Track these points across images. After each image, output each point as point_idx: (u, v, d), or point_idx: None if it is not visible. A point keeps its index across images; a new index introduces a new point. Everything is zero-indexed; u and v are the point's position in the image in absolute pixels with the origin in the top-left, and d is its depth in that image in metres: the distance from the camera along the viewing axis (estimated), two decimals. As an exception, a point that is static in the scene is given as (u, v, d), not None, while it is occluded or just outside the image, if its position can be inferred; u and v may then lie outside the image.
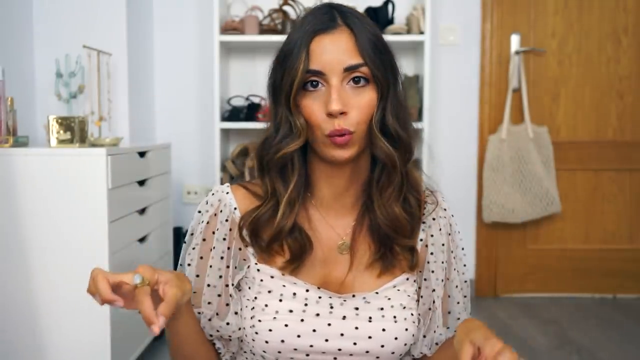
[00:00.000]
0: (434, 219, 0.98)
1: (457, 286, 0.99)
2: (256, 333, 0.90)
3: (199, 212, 0.98)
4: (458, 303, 0.99)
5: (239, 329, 0.93)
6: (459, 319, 0.99)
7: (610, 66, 3.00)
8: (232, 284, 0.94)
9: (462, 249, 1.02)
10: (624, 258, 3.05)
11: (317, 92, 0.87)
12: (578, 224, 3.06)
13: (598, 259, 3.06)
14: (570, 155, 3.01)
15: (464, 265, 1.02)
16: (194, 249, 0.96)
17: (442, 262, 0.97)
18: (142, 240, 2.10)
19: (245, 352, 0.95)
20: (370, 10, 2.76)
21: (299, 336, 0.88)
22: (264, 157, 0.92)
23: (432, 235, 0.98)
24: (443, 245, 0.98)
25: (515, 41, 2.97)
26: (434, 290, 0.96)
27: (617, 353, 2.32)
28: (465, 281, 1.01)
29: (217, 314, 0.94)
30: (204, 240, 0.95)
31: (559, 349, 2.36)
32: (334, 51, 0.86)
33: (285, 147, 0.89)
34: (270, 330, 0.89)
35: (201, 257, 0.95)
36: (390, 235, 0.92)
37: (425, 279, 0.97)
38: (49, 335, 1.76)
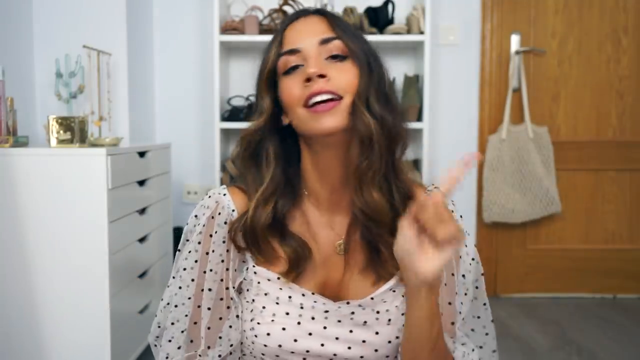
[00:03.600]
0: None
1: (456, 292, 0.92)
2: (255, 336, 0.89)
3: (195, 216, 0.94)
4: (450, 304, 0.92)
5: (243, 331, 0.91)
6: (452, 323, 0.92)
7: (610, 66, 3.00)
8: (233, 287, 0.92)
9: (466, 246, 0.95)
10: (624, 258, 3.05)
11: (296, 72, 0.88)
12: (578, 224, 3.06)
13: (598, 259, 3.06)
14: (570, 155, 3.01)
15: (469, 258, 0.94)
16: (190, 252, 0.92)
17: None
18: (142, 240, 2.10)
19: (245, 354, 0.94)
20: (370, 10, 2.76)
21: (295, 340, 0.88)
22: (239, 148, 0.93)
23: None
24: None
25: (515, 41, 2.97)
26: None
27: (617, 353, 2.32)
28: (464, 281, 0.93)
29: (220, 318, 0.91)
30: (199, 243, 0.92)
31: (559, 349, 2.36)
32: (307, 31, 0.89)
33: (250, 127, 0.91)
34: (268, 334, 0.88)
35: (195, 261, 0.92)
36: (373, 230, 0.88)
37: None
38: (49, 335, 1.76)
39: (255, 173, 0.92)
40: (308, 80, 0.84)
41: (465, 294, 0.93)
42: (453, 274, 0.93)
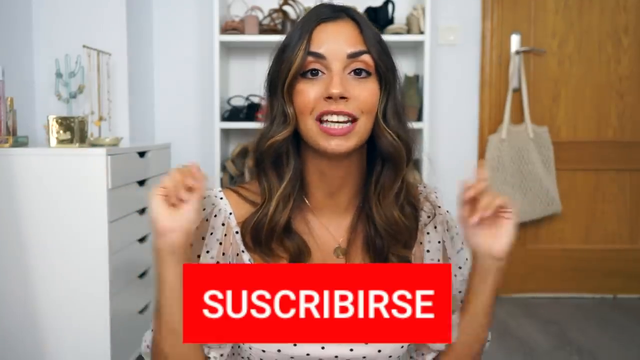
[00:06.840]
0: (434, 226, 0.97)
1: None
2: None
3: None
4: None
5: None
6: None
7: (610, 66, 3.00)
8: None
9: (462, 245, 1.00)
10: (624, 258, 3.05)
11: (316, 79, 0.85)
12: (578, 224, 3.06)
13: (598, 259, 3.05)
14: (571, 155, 3.01)
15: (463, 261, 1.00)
16: None
17: (438, 260, 0.96)
18: (142, 240, 2.10)
19: (242, 358, 0.94)
20: (370, 10, 2.76)
21: (295, 345, 0.87)
22: (258, 150, 0.90)
23: (429, 241, 0.96)
24: (439, 242, 0.96)
25: (515, 41, 2.97)
26: None
27: (617, 353, 2.32)
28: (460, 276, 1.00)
29: None
30: (191, 245, 0.90)
31: (559, 349, 2.36)
32: (338, 38, 0.86)
33: (275, 135, 0.87)
34: None
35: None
36: (387, 242, 0.90)
37: None
38: (49, 335, 1.76)
39: (270, 171, 0.90)
40: (329, 97, 0.83)
41: (460, 268, 1.00)
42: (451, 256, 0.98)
